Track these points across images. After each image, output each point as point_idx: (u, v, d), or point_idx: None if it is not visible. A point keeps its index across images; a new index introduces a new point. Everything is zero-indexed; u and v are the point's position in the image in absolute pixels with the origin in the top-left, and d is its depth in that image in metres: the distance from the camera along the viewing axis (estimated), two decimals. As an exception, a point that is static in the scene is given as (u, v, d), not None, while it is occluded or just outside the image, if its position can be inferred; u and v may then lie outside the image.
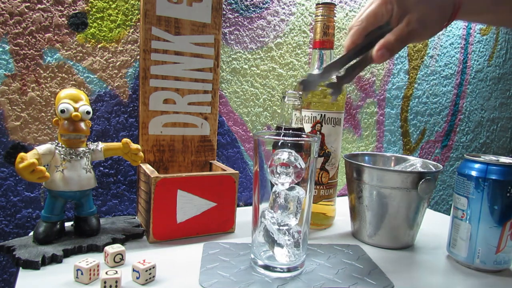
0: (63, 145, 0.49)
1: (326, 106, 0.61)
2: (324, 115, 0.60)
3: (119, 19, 0.61)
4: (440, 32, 1.00)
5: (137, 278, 0.42)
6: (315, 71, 0.47)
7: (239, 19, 0.72)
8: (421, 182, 0.52)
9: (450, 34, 1.01)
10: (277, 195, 0.44)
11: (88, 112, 0.49)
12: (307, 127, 0.60)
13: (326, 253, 0.53)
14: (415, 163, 0.58)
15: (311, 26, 0.79)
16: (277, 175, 0.43)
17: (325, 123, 0.60)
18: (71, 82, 0.59)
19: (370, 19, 0.44)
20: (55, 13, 0.57)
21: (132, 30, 0.63)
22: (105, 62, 0.61)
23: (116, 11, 0.61)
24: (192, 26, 0.61)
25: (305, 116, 0.61)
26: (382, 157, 0.68)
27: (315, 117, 0.60)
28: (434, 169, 0.57)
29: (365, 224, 0.57)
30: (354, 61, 0.46)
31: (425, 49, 0.98)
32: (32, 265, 0.43)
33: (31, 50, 0.56)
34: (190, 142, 0.64)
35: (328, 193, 0.63)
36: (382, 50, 0.43)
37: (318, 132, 0.60)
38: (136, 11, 0.62)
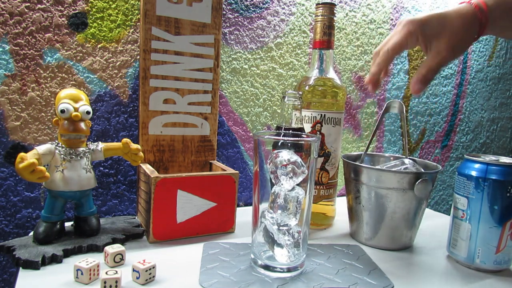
0: (63, 145, 0.49)
1: (326, 106, 0.61)
2: (324, 115, 0.60)
3: (119, 19, 0.61)
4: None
5: (137, 278, 0.42)
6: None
7: (239, 19, 0.72)
8: (417, 183, 0.52)
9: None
10: (276, 195, 0.44)
11: (88, 112, 0.49)
12: (307, 127, 0.60)
13: (326, 253, 0.53)
14: (406, 162, 0.57)
15: (311, 26, 0.79)
16: (286, 179, 0.43)
17: (325, 123, 0.60)
18: (71, 82, 0.59)
19: (396, 50, 0.46)
20: (55, 13, 0.57)
21: (132, 30, 0.63)
22: (105, 62, 0.61)
23: (116, 11, 0.61)
24: (192, 26, 0.61)
25: (305, 116, 0.61)
26: (381, 157, 0.68)
27: (315, 117, 0.60)
28: (424, 170, 0.57)
29: (362, 225, 0.57)
30: None
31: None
32: (32, 265, 0.43)
33: (31, 50, 0.56)
34: (190, 142, 0.64)
35: (328, 193, 0.63)
36: (417, 84, 0.45)
37: (318, 132, 0.60)
38: (136, 11, 0.62)
